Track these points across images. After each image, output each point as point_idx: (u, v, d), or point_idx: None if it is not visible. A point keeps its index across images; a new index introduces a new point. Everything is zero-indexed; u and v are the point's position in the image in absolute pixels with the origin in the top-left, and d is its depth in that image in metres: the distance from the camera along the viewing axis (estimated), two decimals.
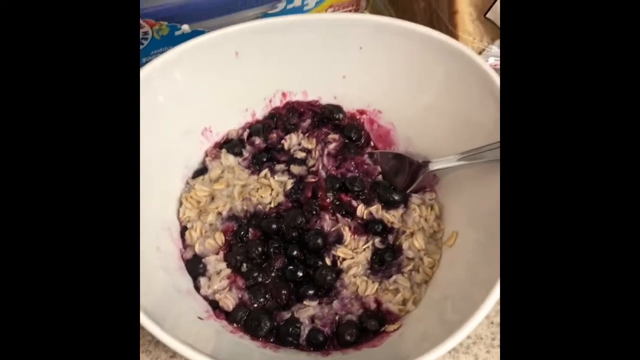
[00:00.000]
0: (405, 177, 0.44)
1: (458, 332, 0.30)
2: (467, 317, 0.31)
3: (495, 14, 0.47)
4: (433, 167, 0.42)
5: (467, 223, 0.41)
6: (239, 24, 0.44)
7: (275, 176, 0.45)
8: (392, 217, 0.43)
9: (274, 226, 0.42)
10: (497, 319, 0.41)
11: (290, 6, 0.52)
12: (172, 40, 0.49)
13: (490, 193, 0.37)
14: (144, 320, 0.32)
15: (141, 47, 0.50)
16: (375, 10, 0.58)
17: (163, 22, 0.48)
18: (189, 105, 0.44)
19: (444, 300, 0.38)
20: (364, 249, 0.41)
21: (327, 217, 0.42)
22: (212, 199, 0.44)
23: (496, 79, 0.39)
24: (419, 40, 0.43)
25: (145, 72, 0.41)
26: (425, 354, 0.30)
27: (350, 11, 0.58)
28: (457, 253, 0.40)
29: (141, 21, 0.47)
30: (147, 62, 0.51)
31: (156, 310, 0.33)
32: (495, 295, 0.31)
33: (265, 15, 0.51)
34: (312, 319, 0.39)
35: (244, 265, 0.41)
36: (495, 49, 0.48)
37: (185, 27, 0.49)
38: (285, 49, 0.46)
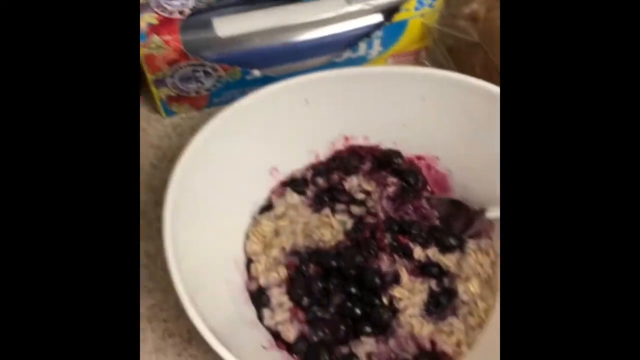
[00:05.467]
0: (461, 222, 0.46)
1: None
2: None
3: None
4: (489, 214, 0.44)
5: None
6: (310, 73, 0.47)
7: (336, 215, 0.47)
8: (448, 261, 0.44)
9: (334, 263, 0.44)
10: None
11: (354, 55, 0.56)
12: (244, 84, 0.54)
13: None
14: (215, 344, 0.34)
15: (215, 89, 0.55)
16: (433, 60, 0.60)
17: (237, 67, 0.52)
18: (261, 146, 0.47)
19: (497, 347, 0.39)
20: (420, 291, 0.43)
21: (385, 257, 0.44)
22: (277, 234, 0.47)
23: None
24: (476, 93, 0.45)
25: (226, 115, 0.44)
26: None
27: (410, 60, 0.61)
28: None
29: (216, 65, 0.52)
30: (219, 102, 0.56)
31: (225, 337, 0.36)
32: None
33: (331, 62, 0.55)
34: (370, 355, 0.41)
35: (305, 299, 0.43)
36: None
37: (256, 72, 0.53)
38: (351, 97, 0.48)
